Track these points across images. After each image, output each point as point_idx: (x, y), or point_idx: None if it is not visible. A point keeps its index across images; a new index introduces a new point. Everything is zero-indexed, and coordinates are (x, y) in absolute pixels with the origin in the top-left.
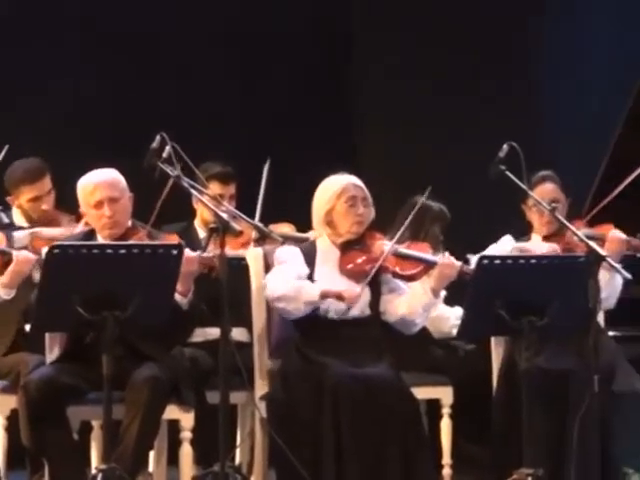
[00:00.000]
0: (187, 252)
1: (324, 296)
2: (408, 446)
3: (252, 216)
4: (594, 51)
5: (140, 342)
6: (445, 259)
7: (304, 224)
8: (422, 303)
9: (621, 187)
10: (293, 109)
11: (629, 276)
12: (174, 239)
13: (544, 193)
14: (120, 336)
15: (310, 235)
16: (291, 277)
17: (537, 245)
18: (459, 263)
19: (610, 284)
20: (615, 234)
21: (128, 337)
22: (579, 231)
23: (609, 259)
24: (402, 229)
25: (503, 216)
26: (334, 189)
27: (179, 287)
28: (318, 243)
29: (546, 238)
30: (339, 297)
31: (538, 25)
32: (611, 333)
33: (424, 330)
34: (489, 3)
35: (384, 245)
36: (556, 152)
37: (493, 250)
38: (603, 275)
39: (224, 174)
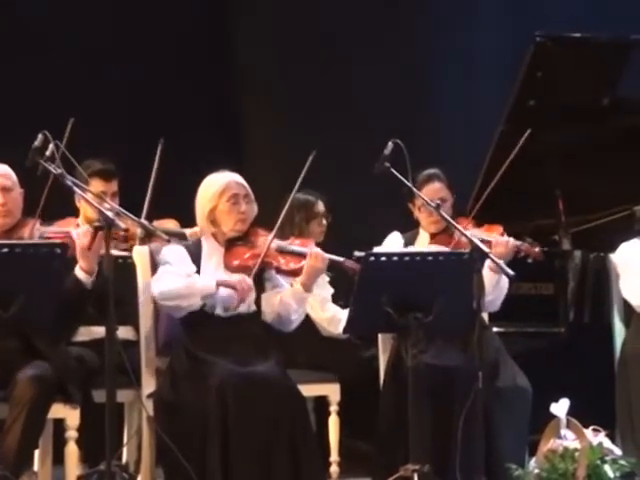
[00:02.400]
0: (81, 227)
1: (220, 285)
2: (295, 444)
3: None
4: (481, 47)
5: (32, 337)
6: (312, 251)
7: (190, 220)
8: (295, 298)
9: (493, 183)
10: (179, 107)
11: (512, 273)
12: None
13: (431, 192)
14: (6, 334)
15: (195, 230)
16: (180, 275)
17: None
18: (328, 256)
19: (496, 288)
20: (501, 239)
21: (18, 333)
22: (467, 230)
23: (492, 256)
24: (278, 224)
25: (391, 213)
26: (216, 187)
27: (82, 264)
28: (203, 241)
29: (434, 236)
30: (233, 287)
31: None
32: (495, 329)
33: (312, 327)
34: None
35: (268, 241)
36: (443, 149)
37: (381, 248)
38: (490, 278)
39: (105, 171)
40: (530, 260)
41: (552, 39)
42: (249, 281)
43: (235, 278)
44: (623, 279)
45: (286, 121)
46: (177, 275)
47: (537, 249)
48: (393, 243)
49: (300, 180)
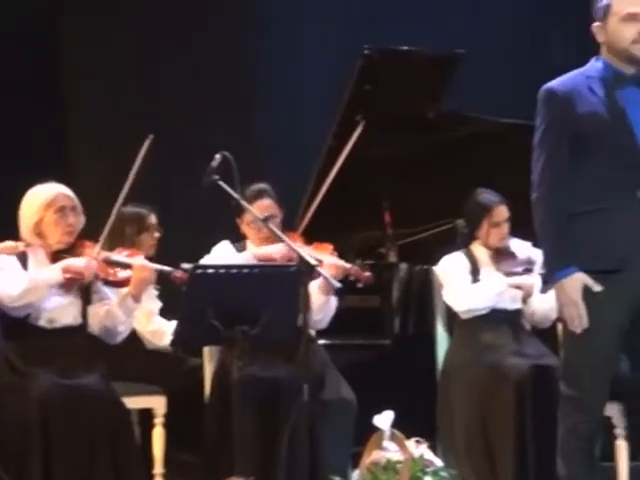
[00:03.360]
0: None
1: (66, 270)
2: (118, 456)
3: None
4: (308, 61)
5: None
6: (139, 263)
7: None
8: (123, 310)
9: (320, 197)
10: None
11: (338, 285)
12: None
13: (260, 208)
14: None
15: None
16: (18, 276)
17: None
18: (155, 266)
19: (324, 308)
20: (331, 260)
21: None
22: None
23: (319, 269)
24: (104, 235)
25: (221, 225)
26: (42, 199)
27: None
28: (29, 253)
29: None
30: (80, 272)
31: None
32: (321, 342)
33: (138, 340)
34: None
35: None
36: (272, 164)
37: (210, 258)
38: (318, 299)
39: None
40: (360, 285)
41: (379, 52)
42: (94, 264)
43: (81, 262)
44: (446, 288)
45: (111, 134)
46: (15, 276)
47: (367, 273)
48: (222, 252)
49: (126, 190)
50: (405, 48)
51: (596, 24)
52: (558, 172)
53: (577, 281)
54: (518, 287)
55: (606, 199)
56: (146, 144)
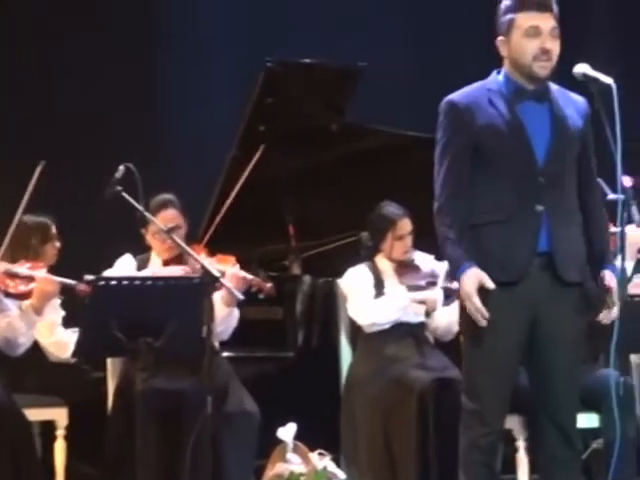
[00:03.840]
0: None
1: None
2: (20, 468)
3: None
4: (213, 72)
5: None
6: (41, 275)
7: None
8: (25, 321)
9: (224, 209)
10: None
11: (241, 297)
12: None
13: (165, 219)
14: None
15: None
16: None
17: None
18: (59, 279)
19: (227, 320)
20: (234, 272)
21: None
22: (201, 257)
23: (223, 280)
24: (4, 246)
25: (124, 236)
26: None
27: None
28: None
29: (166, 263)
30: None
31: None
32: (225, 354)
33: (40, 351)
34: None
35: None
36: (177, 175)
37: (113, 270)
38: (221, 310)
39: None
40: (262, 296)
41: (282, 64)
42: None
43: None
44: (350, 301)
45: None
46: None
47: (269, 285)
48: (125, 266)
49: (26, 199)
50: (307, 61)
51: (500, 38)
52: (458, 183)
53: (471, 276)
54: (422, 302)
55: (505, 211)
56: (38, 170)
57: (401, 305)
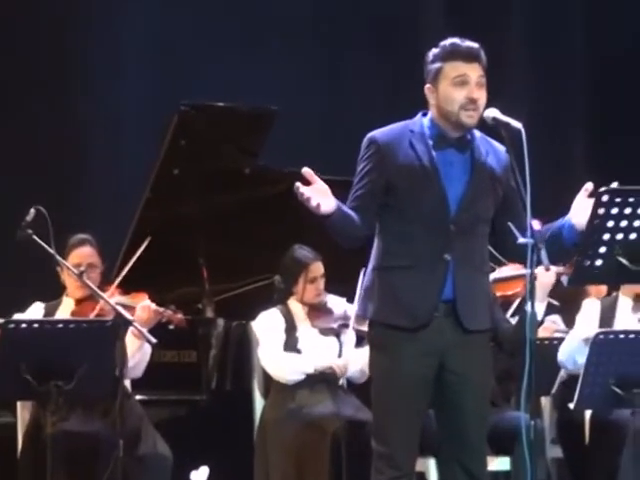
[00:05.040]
0: None
1: None
2: None
3: None
4: (129, 111)
5: None
6: None
7: None
8: None
9: (139, 251)
10: None
11: (154, 340)
12: None
13: (81, 257)
14: None
15: None
16: None
17: None
18: None
19: (138, 353)
20: (144, 304)
21: None
22: (113, 297)
23: (135, 324)
24: None
25: (36, 278)
26: None
27: None
28: None
29: (79, 302)
30: None
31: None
32: (138, 397)
33: None
34: None
35: None
36: (92, 215)
37: (23, 315)
38: (132, 343)
39: None
40: (172, 326)
41: (196, 108)
42: None
43: None
44: (261, 348)
45: None
46: None
47: (179, 315)
48: (34, 313)
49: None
50: (221, 104)
51: (428, 86)
52: (363, 209)
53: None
54: (330, 369)
55: (413, 257)
56: None
57: (311, 368)
